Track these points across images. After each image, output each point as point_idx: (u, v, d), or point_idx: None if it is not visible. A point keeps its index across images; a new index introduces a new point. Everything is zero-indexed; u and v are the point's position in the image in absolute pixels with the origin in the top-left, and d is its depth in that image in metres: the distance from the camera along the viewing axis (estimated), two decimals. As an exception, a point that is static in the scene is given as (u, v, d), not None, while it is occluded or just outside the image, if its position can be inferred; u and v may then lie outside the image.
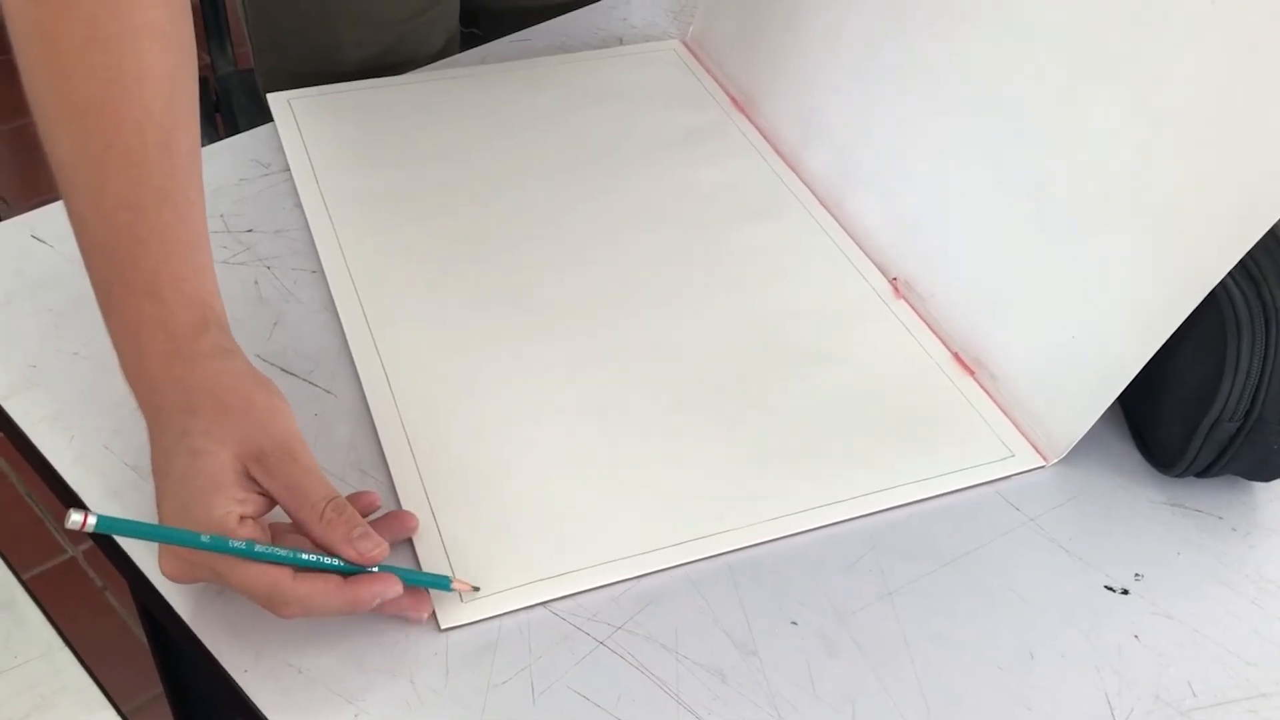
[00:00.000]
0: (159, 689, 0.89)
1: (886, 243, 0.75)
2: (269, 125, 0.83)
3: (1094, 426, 0.63)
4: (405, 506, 0.59)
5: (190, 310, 0.54)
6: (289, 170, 0.78)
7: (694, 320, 0.70)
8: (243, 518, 0.50)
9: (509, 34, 0.95)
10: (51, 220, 0.74)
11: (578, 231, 0.76)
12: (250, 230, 0.74)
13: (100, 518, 0.49)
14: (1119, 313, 0.62)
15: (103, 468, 0.60)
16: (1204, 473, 0.63)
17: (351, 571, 0.52)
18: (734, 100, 0.88)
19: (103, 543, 0.59)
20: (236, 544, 0.49)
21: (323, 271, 0.71)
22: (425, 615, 0.54)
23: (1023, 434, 0.66)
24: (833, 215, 0.79)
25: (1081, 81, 0.63)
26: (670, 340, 0.69)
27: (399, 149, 0.81)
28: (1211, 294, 0.59)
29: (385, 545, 0.52)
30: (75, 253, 0.70)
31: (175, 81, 0.55)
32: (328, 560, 0.51)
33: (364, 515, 0.53)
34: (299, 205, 0.76)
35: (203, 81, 1.30)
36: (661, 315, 0.71)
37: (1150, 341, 0.60)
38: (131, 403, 0.62)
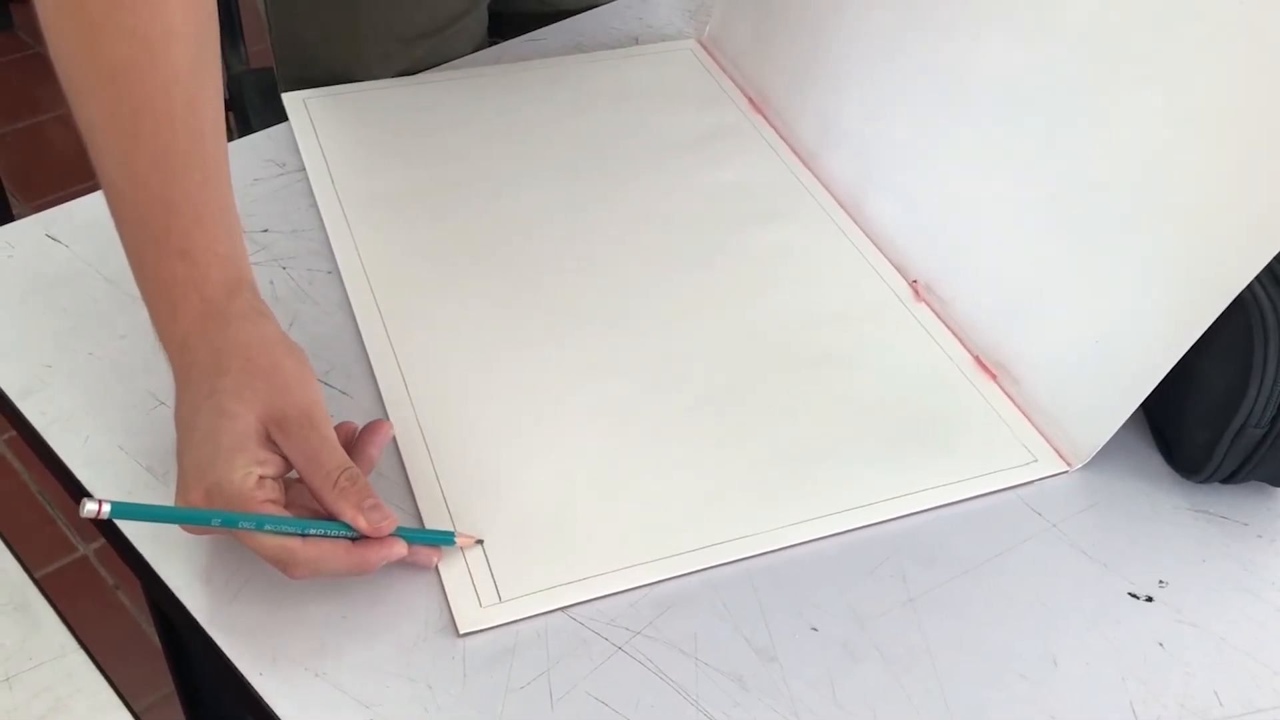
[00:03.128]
0: (170, 687, 0.89)
1: (906, 245, 0.74)
2: (284, 125, 0.82)
3: (1116, 431, 0.62)
4: (421, 509, 0.59)
5: (223, 272, 0.55)
6: (304, 170, 0.78)
7: (712, 323, 0.70)
8: (261, 478, 0.52)
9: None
10: (66, 219, 0.73)
11: (594, 233, 0.75)
12: (266, 230, 0.74)
13: (114, 505, 0.50)
14: (1144, 317, 0.61)
15: (117, 468, 0.60)
16: (1229, 479, 0.62)
17: (357, 536, 0.53)
18: (751, 100, 0.87)
19: (115, 542, 0.58)
20: (246, 522, 0.51)
21: (338, 272, 0.71)
22: (434, 562, 0.56)
23: (1045, 439, 0.65)
24: (851, 217, 0.78)
25: (1104, 83, 0.62)
26: (689, 343, 0.68)
27: (414, 149, 0.80)
28: (1238, 298, 0.58)
29: (394, 517, 0.53)
30: (90, 252, 0.71)
31: (200, 42, 0.56)
32: (334, 529, 0.53)
33: (345, 443, 0.55)
34: (314, 205, 0.75)
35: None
36: (680, 317, 0.70)
37: (1176, 346, 0.59)
38: (146, 403, 0.63)
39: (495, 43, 0.99)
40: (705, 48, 0.93)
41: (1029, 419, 0.66)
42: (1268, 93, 0.55)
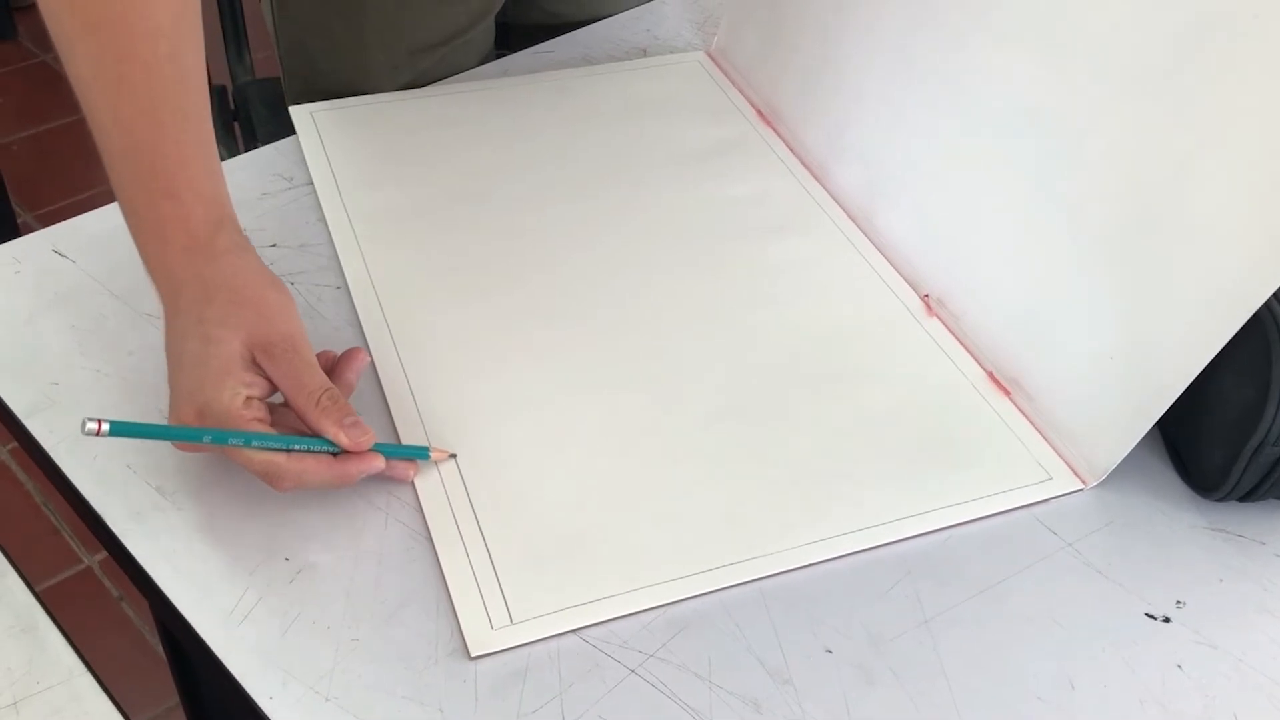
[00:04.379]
0: (174, 699, 0.88)
1: (918, 259, 0.74)
2: (291, 138, 0.82)
3: (1132, 449, 0.62)
4: (431, 527, 0.58)
5: (207, 210, 0.59)
6: (312, 184, 0.78)
7: (722, 338, 0.69)
8: (248, 398, 0.56)
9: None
10: (73, 235, 0.73)
11: (604, 247, 0.75)
12: (274, 245, 0.73)
13: (113, 423, 0.54)
14: (1160, 333, 0.60)
15: (125, 488, 0.59)
16: (1246, 497, 0.62)
17: (338, 452, 0.57)
18: (760, 113, 0.87)
19: (123, 560, 0.58)
20: (235, 438, 0.55)
21: (347, 288, 0.70)
22: (410, 476, 0.60)
23: (1060, 456, 0.64)
24: (862, 230, 0.78)
25: (1118, 97, 0.61)
26: (699, 359, 0.68)
27: (423, 163, 0.80)
28: (1256, 317, 0.58)
29: (372, 433, 0.57)
30: (98, 268, 0.70)
31: None
32: (317, 445, 0.56)
33: (325, 370, 0.59)
34: (322, 220, 0.75)
35: (221, 90, 1.30)
36: (689, 333, 0.70)
37: (1193, 363, 0.59)
38: (155, 421, 0.62)
39: (503, 54, 0.98)
40: (713, 59, 0.93)
41: (1043, 436, 0.65)
42: (1283, 107, 0.54)
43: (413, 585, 0.56)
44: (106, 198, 0.75)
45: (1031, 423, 0.66)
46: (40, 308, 0.68)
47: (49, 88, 2.22)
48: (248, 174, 0.78)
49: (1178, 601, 0.59)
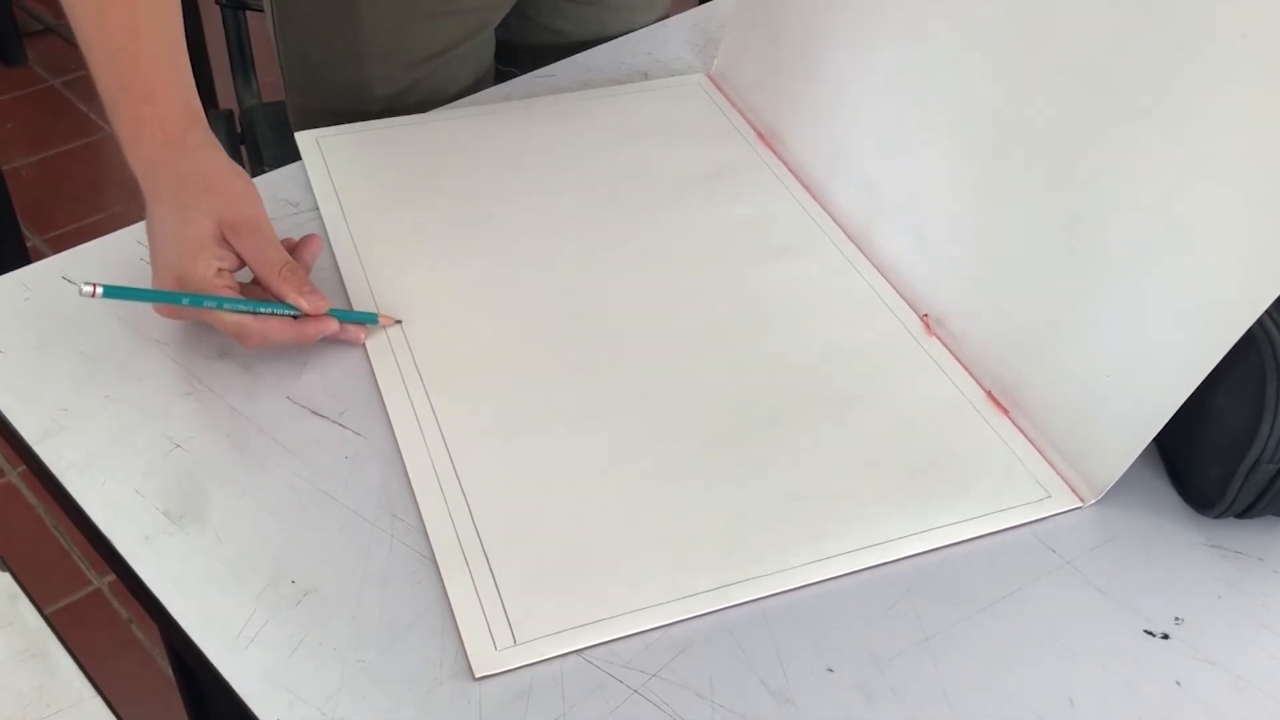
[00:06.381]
0: (184, 721, 0.89)
1: (917, 279, 0.75)
2: (297, 164, 0.83)
3: (1130, 466, 0.62)
4: (436, 550, 0.59)
5: (181, 111, 0.68)
6: (318, 209, 0.78)
7: (724, 360, 0.70)
8: (220, 270, 0.65)
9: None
10: (83, 261, 0.74)
11: (607, 271, 0.76)
12: (279, 270, 0.74)
13: (106, 287, 0.63)
14: (1155, 351, 0.61)
15: (134, 513, 0.60)
16: (1244, 513, 0.62)
17: (299, 315, 0.66)
18: (760, 135, 0.88)
19: (131, 584, 0.59)
20: (210, 301, 0.64)
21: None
22: (362, 339, 0.69)
23: (1059, 474, 0.65)
24: (862, 251, 0.78)
25: (1111, 117, 0.62)
26: (701, 381, 0.69)
27: (427, 188, 0.81)
28: (1251, 334, 0.58)
29: (328, 300, 0.67)
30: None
31: None
32: (280, 309, 0.66)
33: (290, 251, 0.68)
34: (328, 246, 0.76)
35: (228, 114, 1.32)
36: (691, 355, 0.70)
37: (1188, 379, 0.59)
38: (163, 446, 0.63)
39: (508, 71, 1.00)
40: (714, 82, 0.94)
41: (1042, 454, 0.66)
42: (1276, 126, 0.55)
43: (418, 607, 0.57)
44: (116, 222, 0.77)
45: (1030, 441, 0.67)
46: (50, 334, 0.69)
47: (58, 113, 2.23)
48: (254, 200, 0.79)
49: (1176, 618, 0.59)
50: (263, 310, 0.65)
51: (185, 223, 0.65)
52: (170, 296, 0.65)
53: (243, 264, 0.66)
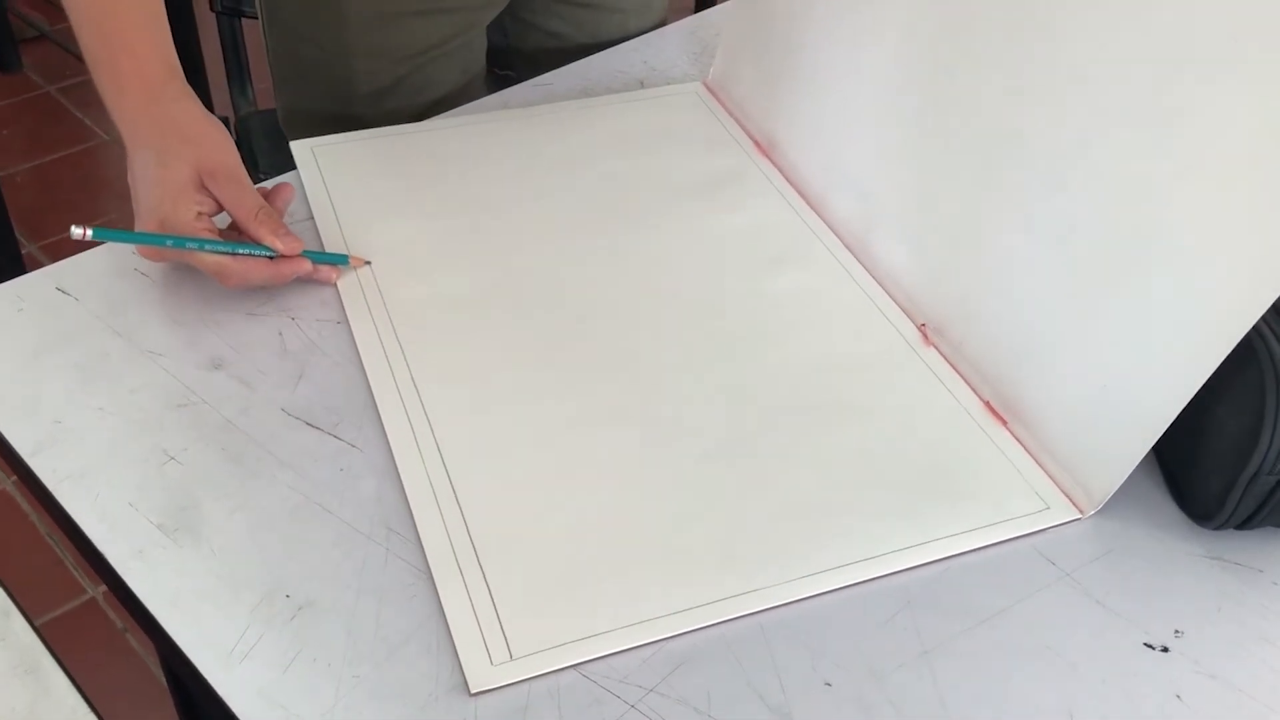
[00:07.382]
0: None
1: (915, 288, 0.74)
2: (292, 173, 0.83)
3: (1129, 478, 0.62)
4: (431, 563, 0.58)
5: (160, 65, 0.72)
6: (313, 219, 0.78)
7: (721, 370, 0.70)
8: (199, 213, 0.69)
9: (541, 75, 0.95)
10: (76, 273, 0.74)
11: (603, 281, 0.75)
12: (274, 281, 0.74)
13: (96, 229, 0.68)
14: (1152, 360, 0.61)
15: (128, 526, 0.60)
16: (1244, 525, 0.62)
17: (274, 256, 0.70)
18: (757, 143, 0.88)
19: (124, 598, 0.58)
20: (192, 243, 0.68)
21: (348, 323, 0.71)
22: (334, 279, 0.73)
23: (1057, 485, 0.65)
24: (859, 260, 0.78)
25: (1104, 124, 0.62)
26: (698, 392, 0.68)
27: (423, 198, 0.81)
28: (1250, 347, 0.58)
29: (301, 241, 0.71)
30: (100, 306, 0.71)
31: None
32: (257, 250, 0.70)
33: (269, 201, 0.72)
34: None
35: (223, 122, 1.32)
36: (688, 366, 0.70)
37: (1185, 388, 0.59)
38: (157, 459, 0.63)
39: (506, 76, 1.00)
40: (710, 90, 0.93)
41: (1040, 465, 0.66)
42: (1269, 132, 0.55)
43: (413, 622, 0.56)
44: (111, 230, 0.76)
45: (1028, 452, 0.66)
46: (43, 346, 0.69)
47: (53, 119, 2.23)
48: (249, 210, 0.79)
49: (1176, 631, 0.59)
50: (241, 251, 0.69)
51: (166, 169, 0.69)
52: (156, 238, 0.68)
53: (221, 209, 0.70)
